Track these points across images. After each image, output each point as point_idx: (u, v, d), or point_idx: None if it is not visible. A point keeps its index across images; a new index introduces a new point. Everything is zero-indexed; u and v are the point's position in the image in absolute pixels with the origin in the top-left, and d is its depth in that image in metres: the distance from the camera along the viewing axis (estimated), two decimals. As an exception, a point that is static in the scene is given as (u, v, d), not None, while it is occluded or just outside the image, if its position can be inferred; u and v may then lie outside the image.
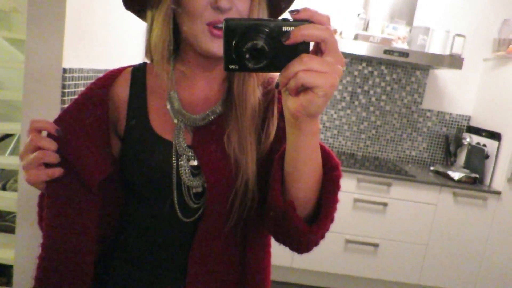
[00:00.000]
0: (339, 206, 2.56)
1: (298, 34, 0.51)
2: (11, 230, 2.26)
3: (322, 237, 0.71)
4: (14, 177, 2.60)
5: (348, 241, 2.77)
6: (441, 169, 2.94)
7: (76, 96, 1.45)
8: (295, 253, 2.30)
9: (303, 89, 0.53)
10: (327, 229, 0.70)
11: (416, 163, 3.31)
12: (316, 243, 0.72)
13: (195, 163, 0.77)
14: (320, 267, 2.81)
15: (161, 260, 0.81)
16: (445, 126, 3.27)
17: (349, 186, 2.73)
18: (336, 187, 0.67)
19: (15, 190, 2.52)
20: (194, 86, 0.80)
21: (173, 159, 0.76)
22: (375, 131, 3.27)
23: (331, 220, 0.70)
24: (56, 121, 0.74)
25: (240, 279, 0.81)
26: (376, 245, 2.77)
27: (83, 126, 0.75)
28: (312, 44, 0.54)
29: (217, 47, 0.71)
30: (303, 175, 0.64)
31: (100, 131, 0.77)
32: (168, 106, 0.78)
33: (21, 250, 1.47)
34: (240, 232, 0.80)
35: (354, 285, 2.93)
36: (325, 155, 0.67)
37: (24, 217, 1.44)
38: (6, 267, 2.26)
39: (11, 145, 2.55)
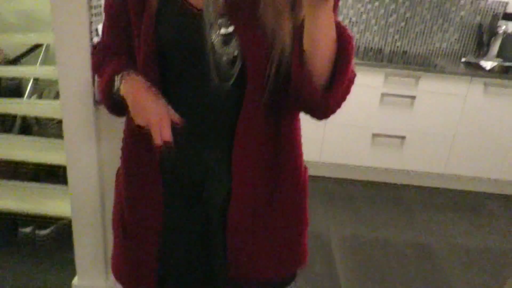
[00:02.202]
0: (365, 101, 2.65)
1: None
2: (54, 136, 2.40)
3: (338, 105, 0.79)
4: (48, 86, 2.69)
5: (375, 135, 2.83)
6: (472, 60, 2.86)
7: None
8: (322, 147, 2.46)
9: None
10: (342, 98, 0.79)
11: (447, 56, 3.20)
12: (332, 110, 0.79)
13: (227, 30, 0.80)
14: (348, 161, 2.92)
15: (207, 133, 0.89)
16: (479, 14, 3.09)
17: (376, 82, 2.71)
18: (348, 58, 0.73)
19: (51, 98, 2.62)
20: None
21: (207, 27, 0.79)
22: (404, 24, 3.13)
23: (347, 90, 0.78)
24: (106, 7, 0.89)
25: (276, 150, 0.89)
26: (403, 137, 2.83)
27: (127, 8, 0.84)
28: None
29: None
30: (319, 47, 0.71)
31: (140, 14, 0.83)
32: None
33: (72, 153, 1.58)
34: (276, 105, 0.85)
35: (382, 176, 3.05)
36: (340, 30, 0.73)
37: (70, 124, 1.52)
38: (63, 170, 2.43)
39: (41, 55, 2.60)
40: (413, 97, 2.73)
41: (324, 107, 0.77)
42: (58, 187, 2.24)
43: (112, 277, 1.74)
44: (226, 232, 0.90)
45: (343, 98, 0.79)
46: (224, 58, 0.80)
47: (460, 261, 2.27)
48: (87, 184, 1.61)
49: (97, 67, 0.97)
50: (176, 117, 0.82)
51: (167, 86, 0.87)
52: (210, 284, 0.94)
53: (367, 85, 2.71)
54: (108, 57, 0.94)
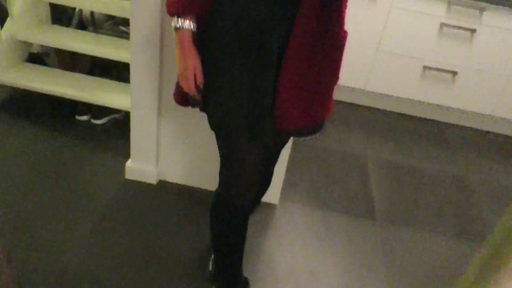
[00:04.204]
0: (421, 30, 2.64)
1: None
2: (107, 35, 2.47)
3: None
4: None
5: (426, 68, 2.75)
6: (545, -3, 2.66)
7: None
8: (369, 75, 2.48)
9: None
10: None
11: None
12: None
13: None
14: (394, 92, 2.88)
15: None
16: None
17: (437, 10, 2.58)
18: None
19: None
20: None
21: None
22: (475, -48, 2.92)
23: None
24: None
25: (328, 15, 0.98)
26: (454, 73, 2.74)
27: None
28: None
29: None
30: None
31: None
32: None
33: (136, 48, 1.63)
34: None
35: (427, 112, 3.01)
36: None
37: (137, 23, 1.56)
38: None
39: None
40: (473, 31, 2.60)
41: None
42: (112, 82, 2.34)
43: (161, 164, 1.87)
44: (279, 79, 0.99)
45: None
46: None
47: (495, 197, 2.28)
48: (146, 78, 1.68)
49: None
50: (200, 77, 1.02)
51: None
52: (255, 132, 1.03)
53: (427, 13, 2.60)
54: None
